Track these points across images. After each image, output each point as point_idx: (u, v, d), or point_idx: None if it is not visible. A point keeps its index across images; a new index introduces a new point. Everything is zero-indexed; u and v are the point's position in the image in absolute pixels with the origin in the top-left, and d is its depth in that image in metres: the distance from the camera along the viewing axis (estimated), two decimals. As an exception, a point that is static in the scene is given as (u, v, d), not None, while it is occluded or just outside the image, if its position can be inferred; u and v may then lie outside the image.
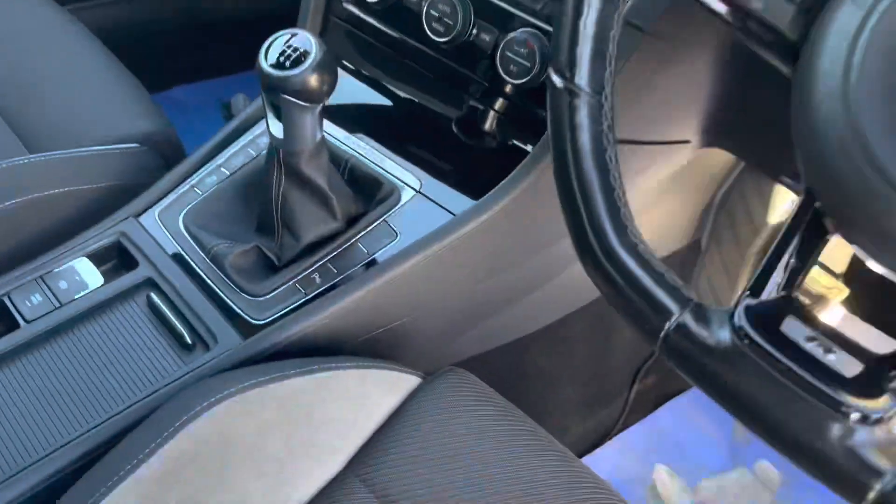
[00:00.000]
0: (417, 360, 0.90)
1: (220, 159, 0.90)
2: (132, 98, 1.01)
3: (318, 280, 0.80)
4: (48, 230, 0.83)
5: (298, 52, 0.69)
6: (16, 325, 0.76)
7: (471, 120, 0.87)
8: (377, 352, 0.83)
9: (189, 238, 0.83)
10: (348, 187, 0.84)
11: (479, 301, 0.91)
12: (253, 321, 0.76)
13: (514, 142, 0.84)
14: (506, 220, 0.82)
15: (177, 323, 0.76)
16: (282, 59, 0.69)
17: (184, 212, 0.85)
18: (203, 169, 0.89)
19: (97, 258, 0.81)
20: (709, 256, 1.26)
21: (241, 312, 0.77)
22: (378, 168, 0.87)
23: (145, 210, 0.86)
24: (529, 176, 0.79)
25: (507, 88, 0.82)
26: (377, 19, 0.91)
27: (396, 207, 0.84)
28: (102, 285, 0.79)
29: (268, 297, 0.78)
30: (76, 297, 0.77)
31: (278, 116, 0.73)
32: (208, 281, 0.79)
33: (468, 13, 0.83)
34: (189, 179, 0.88)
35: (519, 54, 0.79)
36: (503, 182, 0.80)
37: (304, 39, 0.70)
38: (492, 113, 0.85)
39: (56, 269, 0.79)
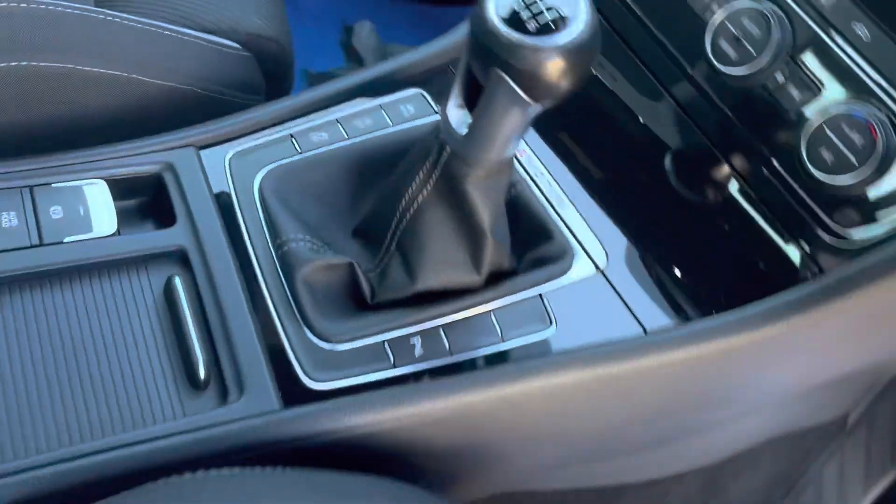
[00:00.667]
0: (494, 481, 0.63)
1: (339, 112, 0.62)
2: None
3: (417, 350, 0.52)
4: (71, 122, 0.56)
5: (553, 14, 0.41)
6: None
7: (720, 200, 0.59)
8: (445, 468, 0.56)
9: (260, 210, 0.55)
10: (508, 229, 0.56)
11: (607, 443, 0.63)
12: (307, 381, 0.49)
13: (788, 259, 0.55)
14: (716, 363, 0.53)
15: (195, 340, 0.48)
16: (524, 15, 0.40)
17: (267, 168, 0.57)
18: (313, 116, 0.61)
19: (120, 188, 0.54)
20: (853, 438, 0.98)
21: (293, 361, 0.49)
22: (553, 212, 0.58)
23: (214, 143, 0.58)
24: (797, 316, 0.50)
25: (805, 179, 0.53)
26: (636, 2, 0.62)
27: (562, 281, 0.56)
28: (112, 235, 0.52)
29: (340, 347, 0.51)
30: (67, 239, 0.50)
31: (470, 101, 0.45)
32: (264, 289, 0.52)
33: (787, 41, 0.54)
34: (290, 123, 0.60)
35: (845, 139, 0.50)
36: (746, 311, 0.51)
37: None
38: (761, 201, 0.56)
39: (56, 184, 0.52)
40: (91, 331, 0.48)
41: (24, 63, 0.51)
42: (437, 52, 0.65)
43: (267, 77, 0.71)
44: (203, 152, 0.57)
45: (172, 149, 0.56)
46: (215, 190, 0.56)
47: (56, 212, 0.50)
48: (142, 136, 0.56)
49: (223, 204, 0.55)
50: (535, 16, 0.40)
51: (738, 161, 0.57)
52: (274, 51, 0.70)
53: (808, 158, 0.52)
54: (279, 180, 0.57)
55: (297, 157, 0.58)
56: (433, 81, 0.65)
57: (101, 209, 0.52)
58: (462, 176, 0.48)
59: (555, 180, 0.60)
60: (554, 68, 0.40)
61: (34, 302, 0.48)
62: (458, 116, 0.45)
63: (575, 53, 0.40)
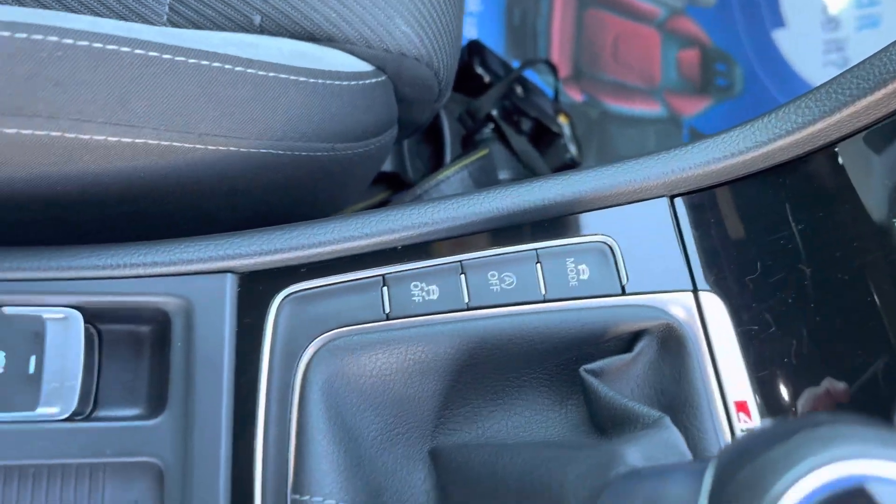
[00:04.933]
0: None
1: (470, 252, 0.39)
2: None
3: None
4: (69, 202, 0.37)
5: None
6: None
7: None
8: None
9: (294, 420, 0.36)
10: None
11: None
12: None
13: None
14: None
15: None
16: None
17: (328, 335, 0.37)
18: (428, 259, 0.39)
19: (99, 317, 0.36)
20: None
21: None
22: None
23: (265, 272, 0.38)
24: None
25: None
26: None
27: None
28: (64, 420, 0.34)
29: None
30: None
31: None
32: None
33: None
34: (388, 265, 0.39)
35: None
36: None
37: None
38: None
39: (10, 309, 0.34)
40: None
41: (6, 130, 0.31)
42: (650, 175, 0.40)
43: (401, 101, 0.48)
44: (245, 282, 0.37)
45: (200, 273, 0.36)
46: (242, 355, 0.36)
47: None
48: (173, 230, 0.36)
49: (245, 388, 0.36)
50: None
51: None
52: (421, 76, 0.46)
53: None
54: (341, 364, 0.36)
55: (377, 328, 0.37)
56: (632, 225, 0.40)
57: (60, 366, 0.34)
58: None
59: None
60: None
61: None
62: None
63: None
